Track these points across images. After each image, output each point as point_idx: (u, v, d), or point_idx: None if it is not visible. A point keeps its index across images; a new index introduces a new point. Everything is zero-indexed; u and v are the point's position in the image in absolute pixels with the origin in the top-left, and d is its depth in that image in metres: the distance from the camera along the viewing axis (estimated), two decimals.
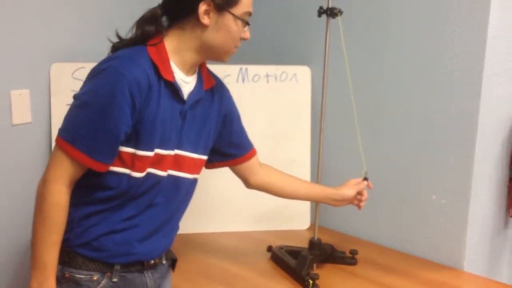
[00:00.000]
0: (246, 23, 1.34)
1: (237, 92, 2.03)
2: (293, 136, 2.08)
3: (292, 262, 1.72)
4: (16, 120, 1.76)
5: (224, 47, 1.33)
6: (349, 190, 1.67)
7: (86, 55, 1.87)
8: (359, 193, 1.69)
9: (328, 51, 1.71)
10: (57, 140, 1.23)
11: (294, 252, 1.77)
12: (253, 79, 2.05)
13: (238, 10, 1.30)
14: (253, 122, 2.04)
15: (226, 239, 1.98)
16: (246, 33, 1.36)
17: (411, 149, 1.86)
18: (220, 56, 1.36)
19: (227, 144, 1.53)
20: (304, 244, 1.80)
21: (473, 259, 1.81)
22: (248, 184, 1.63)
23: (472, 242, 1.79)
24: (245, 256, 1.84)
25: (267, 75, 2.05)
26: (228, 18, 1.30)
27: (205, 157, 1.43)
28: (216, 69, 1.99)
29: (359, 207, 1.71)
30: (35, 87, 1.80)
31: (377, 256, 1.86)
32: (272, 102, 2.06)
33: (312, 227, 2.05)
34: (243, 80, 2.04)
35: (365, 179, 1.70)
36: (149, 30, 1.30)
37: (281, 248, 1.82)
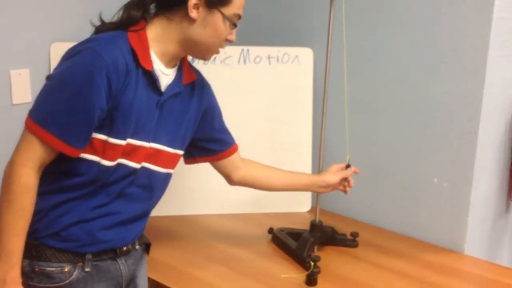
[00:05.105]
0: (234, 25, 1.31)
1: (238, 74, 2.02)
2: (295, 119, 2.06)
3: (293, 244, 1.72)
4: (16, 99, 1.75)
5: (208, 44, 1.31)
6: (333, 176, 1.66)
7: (86, 35, 1.84)
8: (345, 179, 1.68)
9: (331, 32, 1.69)
10: (26, 121, 1.18)
11: (295, 234, 1.77)
12: (254, 60, 2.03)
13: (229, 10, 1.28)
14: (254, 104, 2.04)
15: (227, 221, 1.98)
16: (233, 35, 1.33)
17: (413, 131, 1.85)
18: (202, 54, 1.34)
19: (208, 140, 1.51)
20: (305, 226, 1.80)
21: (474, 242, 1.81)
22: (230, 180, 1.61)
23: (473, 225, 1.79)
24: (246, 238, 1.84)
25: (269, 57, 2.03)
26: (217, 17, 1.27)
27: (181, 152, 1.41)
28: None
29: (345, 192, 1.71)
30: (35, 67, 1.79)
31: (378, 239, 1.86)
32: (274, 84, 2.04)
33: (313, 209, 2.05)
34: (245, 61, 2.02)
35: (348, 166, 1.69)
36: (134, 15, 1.26)
37: (282, 230, 1.82)
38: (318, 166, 1.76)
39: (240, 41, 2.02)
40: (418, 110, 1.83)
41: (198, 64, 1.96)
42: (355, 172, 1.70)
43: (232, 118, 2.01)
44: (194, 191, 1.97)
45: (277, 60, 2.04)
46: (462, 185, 1.75)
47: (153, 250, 1.68)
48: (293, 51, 2.04)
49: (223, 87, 2.00)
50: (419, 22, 1.78)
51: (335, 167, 1.69)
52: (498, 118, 1.80)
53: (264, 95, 2.03)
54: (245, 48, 2.02)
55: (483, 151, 1.74)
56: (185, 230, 1.88)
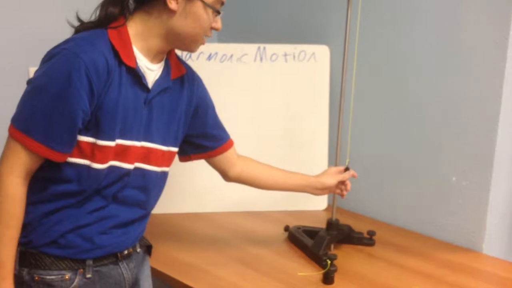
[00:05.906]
0: (217, 12, 1.26)
1: (255, 72, 2.02)
2: (311, 117, 2.06)
3: (309, 242, 1.71)
4: None
5: (191, 36, 1.25)
6: (330, 178, 1.63)
7: None
8: (342, 182, 1.65)
9: (348, 30, 1.68)
10: (9, 129, 1.15)
11: (311, 232, 1.76)
12: (271, 58, 2.03)
13: None
14: (270, 102, 2.04)
15: (243, 219, 1.98)
16: (218, 23, 1.28)
17: (432, 129, 1.83)
18: (188, 46, 1.29)
19: (202, 136, 1.46)
20: (322, 224, 1.79)
21: (493, 241, 1.79)
22: (226, 177, 1.57)
23: (492, 225, 1.77)
24: (262, 235, 1.84)
25: (285, 54, 2.03)
26: (197, 5, 1.22)
27: (175, 149, 1.37)
28: (234, 47, 1.99)
29: (341, 196, 1.68)
30: None
31: (395, 238, 1.85)
32: (290, 81, 2.04)
33: (329, 208, 2.05)
34: (261, 59, 2.02)
35: (347, 169, 1.66)
36: (112, 11, 1.21)
37: (298, 228, 1.82)
38: (335, 164, 1.75)
39: (256, 39, 2.04)
40: (437, 109, 1.81)
41: (212, 62, 1.98)
42: (353, 176, 1.66)
43: (249, 115, 2.03)
44: (210, 188, 1.98)
45: (294, 57, 2.03)
46: (481, 183, 1.73)
47: (170, 248, 1.69)
48: (309, 48, 2.03)
49: (239, 85, 2.02)
50: (437, 19, 1.76)
51: (333, 169, 1.66)
52: None
53: (280, 92, 2.03)
54: (262, 46, 2.02)
55: (502, 150, 1.72)
56: (201, 227, 1.89)
